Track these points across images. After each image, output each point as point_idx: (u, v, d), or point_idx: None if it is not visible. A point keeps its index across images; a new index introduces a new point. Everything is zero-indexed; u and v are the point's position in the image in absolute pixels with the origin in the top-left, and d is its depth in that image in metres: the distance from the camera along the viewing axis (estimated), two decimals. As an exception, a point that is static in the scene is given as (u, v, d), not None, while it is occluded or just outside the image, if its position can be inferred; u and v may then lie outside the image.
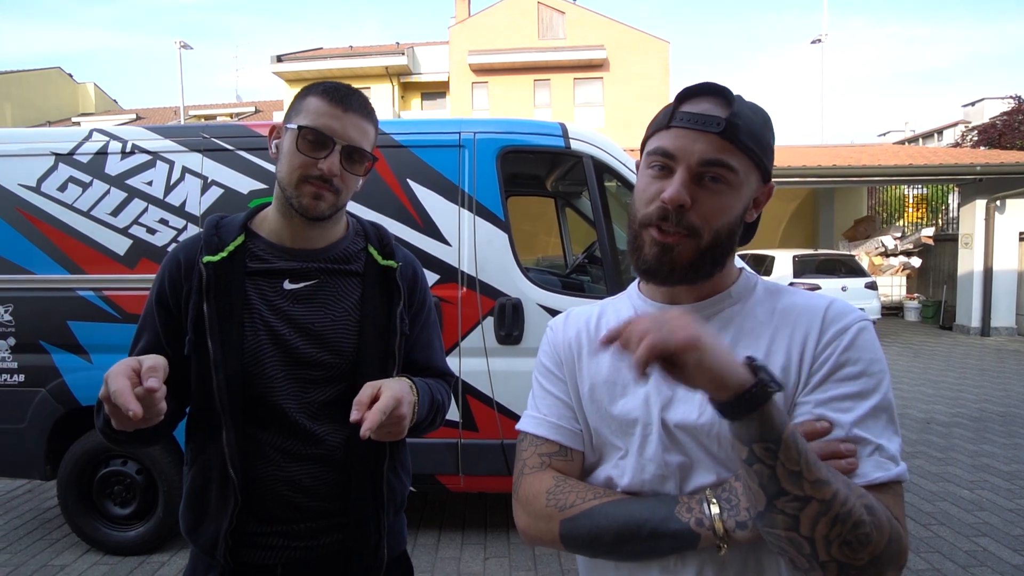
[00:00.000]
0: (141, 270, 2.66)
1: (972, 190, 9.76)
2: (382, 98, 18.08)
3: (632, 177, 2.71)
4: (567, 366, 0.80)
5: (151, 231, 2.69)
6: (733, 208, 0.69)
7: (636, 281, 0.82)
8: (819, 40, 18.19)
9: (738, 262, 0.88)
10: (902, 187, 13.16)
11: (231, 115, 21.43)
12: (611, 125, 16.50)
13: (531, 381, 0.84)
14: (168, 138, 2.73)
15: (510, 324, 2.59)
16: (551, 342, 0.83)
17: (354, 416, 0.80)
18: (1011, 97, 16.36)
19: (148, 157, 2.71)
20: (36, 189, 2.72)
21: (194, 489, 0.97)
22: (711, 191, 0.68)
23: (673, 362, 0.55)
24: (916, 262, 11.16)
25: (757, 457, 0.57)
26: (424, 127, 2.76)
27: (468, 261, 2.63)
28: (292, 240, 1.00)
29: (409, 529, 1.06)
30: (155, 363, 0.75)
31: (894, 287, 11.90)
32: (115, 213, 2.70)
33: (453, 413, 2.58)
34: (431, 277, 2.58)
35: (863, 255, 11.08)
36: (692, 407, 0.69)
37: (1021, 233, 9.56)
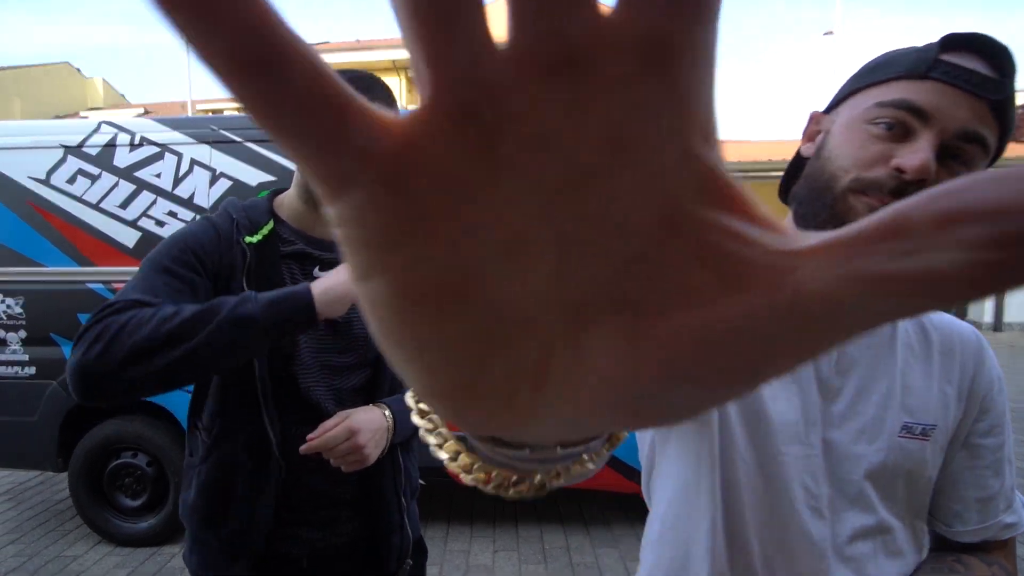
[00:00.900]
0: (150, 263, 2.66)
1: (985, 183, 9.63)
2: (388, 92, 17.99)
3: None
4: None
5: (160, 223, 2.68)
6: None
7: None
8: (831, 33, 17.98)
9: None
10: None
11: (239, 108, 21.44)
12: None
13: None
14: (176, 130, 2.72)
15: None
16: None
17: (311, 436, 0.86)
18: (1025, 89, 16.15)
19: (156, 149, 2.70)
20: (46, 182, 2.72)
21: (214, 479, 0.93)
22: (949, 172, 0.52)
23: None
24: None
25: None
26: None
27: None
28: (314, 229, 0.98)
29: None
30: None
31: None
32: (124, 205, 2.69)
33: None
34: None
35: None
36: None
37: (1035, 227, 9.44)
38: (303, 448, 0.86)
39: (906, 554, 0.61)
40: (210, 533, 0.93)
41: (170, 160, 2.70)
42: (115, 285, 2.65)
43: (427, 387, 0.13)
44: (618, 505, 3.09)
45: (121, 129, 2.73)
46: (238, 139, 2.68)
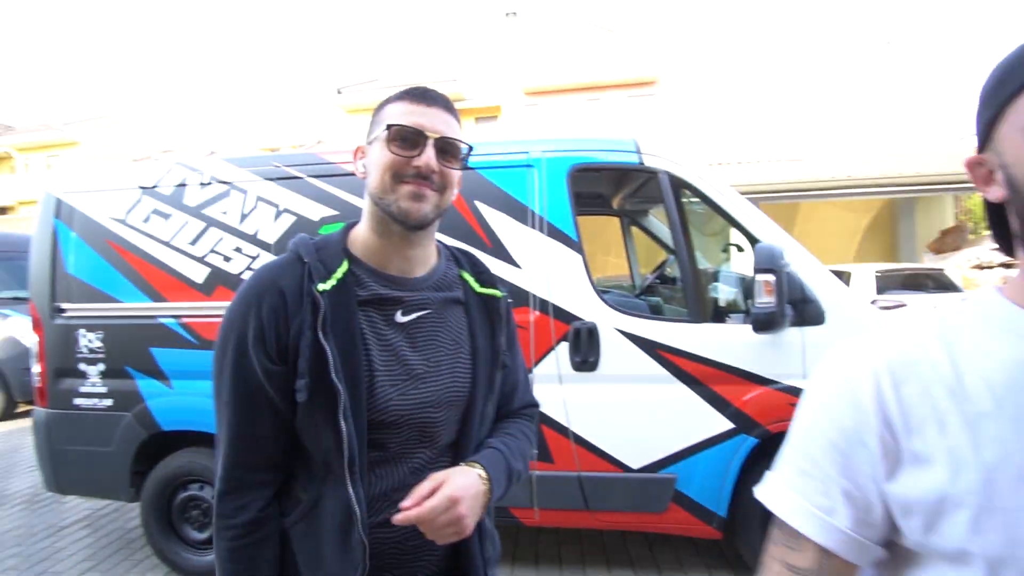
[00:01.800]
0: (217, 297, 2.72)
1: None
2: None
3: (713, 193, 2.54)
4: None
5: (227, 259, 2.75)
6: None
7: (993, 285, 0.62)
8: (889, 42, 17.25)
9: None
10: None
11: (294, 145, 22.56)
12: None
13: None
14: (242, 168, 2.80)
15: (585, 350, 2.46)
16: (877, 399, 0.57)
17: (405, 503, 0.77)
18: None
19: (224, 187, 2.79)
20: (123, 221, 2.85)
21: (309, 548, 0.86)
22: None
23: None
24: (1017, 273, 10.17)
25: None
26: (492, 147, 2.71)
27: (540, 284, 2.53)
28: (390, 265, 0.91)
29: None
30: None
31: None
32: (193, 242, 2.78)
33: (525, 443, 2.46)
34: (501, 301, 2.49)
35: (955, 269, 10.22)
36: None
37: None
38: (397, 519, 0.77)
39: None
40: None
41: (236, 197, 2.77)
42: (185, 320, 2.73)
43: None
44: (694, 549, 2.88)
45: (192, 169, 2.84)
46: (299, 175, 2.73)
